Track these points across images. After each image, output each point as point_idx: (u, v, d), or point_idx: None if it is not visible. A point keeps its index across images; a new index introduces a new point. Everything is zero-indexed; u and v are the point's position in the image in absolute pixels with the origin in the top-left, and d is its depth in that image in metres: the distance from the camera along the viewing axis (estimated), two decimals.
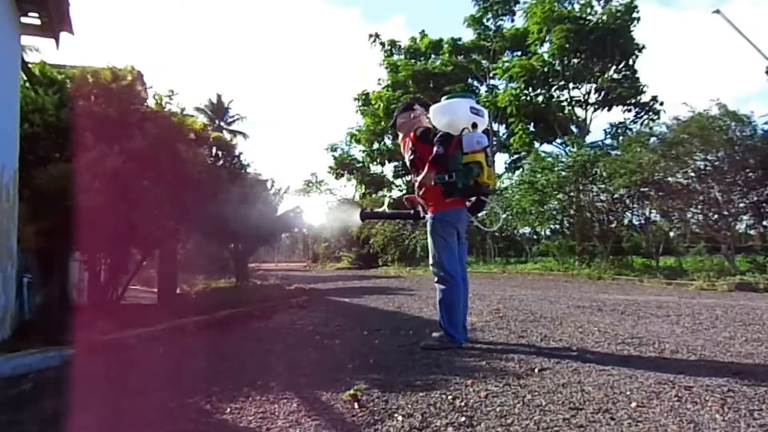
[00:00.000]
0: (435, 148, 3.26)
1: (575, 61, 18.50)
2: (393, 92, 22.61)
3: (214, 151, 7.50)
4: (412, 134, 3.56)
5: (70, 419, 2.06)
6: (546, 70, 18.46)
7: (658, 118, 17.68)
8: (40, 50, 11.08)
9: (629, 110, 19.08)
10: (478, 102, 3.59)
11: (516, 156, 21.31)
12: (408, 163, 3.71)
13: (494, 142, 22.85)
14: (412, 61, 23.07)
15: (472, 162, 3.28)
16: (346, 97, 67.64)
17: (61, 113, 4.78)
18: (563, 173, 12.82)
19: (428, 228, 3.52)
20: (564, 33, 17.39)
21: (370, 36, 24.46)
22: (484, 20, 22.30)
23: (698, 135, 9.74)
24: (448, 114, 3.40)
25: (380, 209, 4.06)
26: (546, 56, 18.73)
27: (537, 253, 16.29)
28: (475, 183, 3.30)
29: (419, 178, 3.43)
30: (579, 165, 12.38)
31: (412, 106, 3.72)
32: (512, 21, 22.04)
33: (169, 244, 5.84)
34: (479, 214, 3.80)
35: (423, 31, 23.96)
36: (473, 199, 3.63)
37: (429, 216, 3.52)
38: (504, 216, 3.86)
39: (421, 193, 3.52)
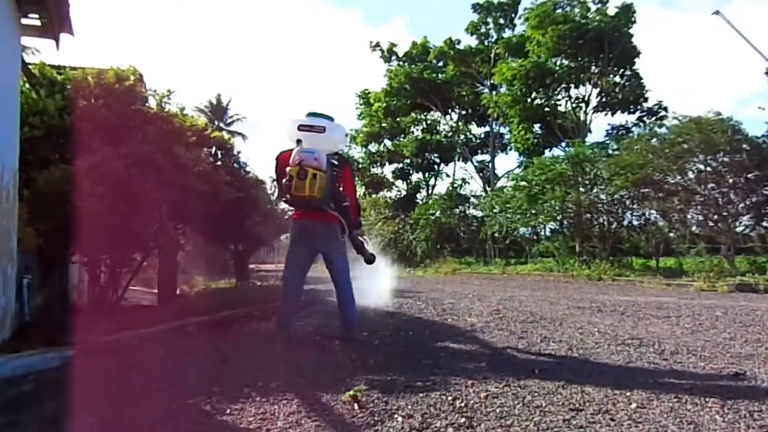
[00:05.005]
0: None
1: (572, 62, 18.49)
2: (392, 98, 22.73)
3: (213, 150, 7.50)
4: None
5: (71, 420, 2.06)
6: (542, 71, 18.45)
7: (662, 123, 17.75)
8: (41, 51, 11.02)
9: (632, 113, 19.11)
10: (327, 117, 3.70)
11: (521, 159, 21.29)
12: None
13: (497, 144, 22.89)
14: (413, 65, 23.08)
15: (286, 176, 3.54)
16: (346, 98, 67.67)
17: (63, 115, 4.78)
18: (559, 167, 12.82)
19: None
20: (557, 33, 17.39)
21: (370, 43, 24.71)
22: (485, 28, 22.42)
23: (698, 136, 9.76)
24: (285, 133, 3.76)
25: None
26: (541, 57, 18.70)
27: (537, 254, 16.29)
28: (291, 195, 3.51)
29: None
30: (575, 160, 12.37)
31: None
32: (512, 30, 22.24)
33: (168, 246, 5.84)
34: (365, 252, 3.92)
35: (426, 37, 24.03)
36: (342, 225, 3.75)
37: None
38: (372, 250, 3.90)
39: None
